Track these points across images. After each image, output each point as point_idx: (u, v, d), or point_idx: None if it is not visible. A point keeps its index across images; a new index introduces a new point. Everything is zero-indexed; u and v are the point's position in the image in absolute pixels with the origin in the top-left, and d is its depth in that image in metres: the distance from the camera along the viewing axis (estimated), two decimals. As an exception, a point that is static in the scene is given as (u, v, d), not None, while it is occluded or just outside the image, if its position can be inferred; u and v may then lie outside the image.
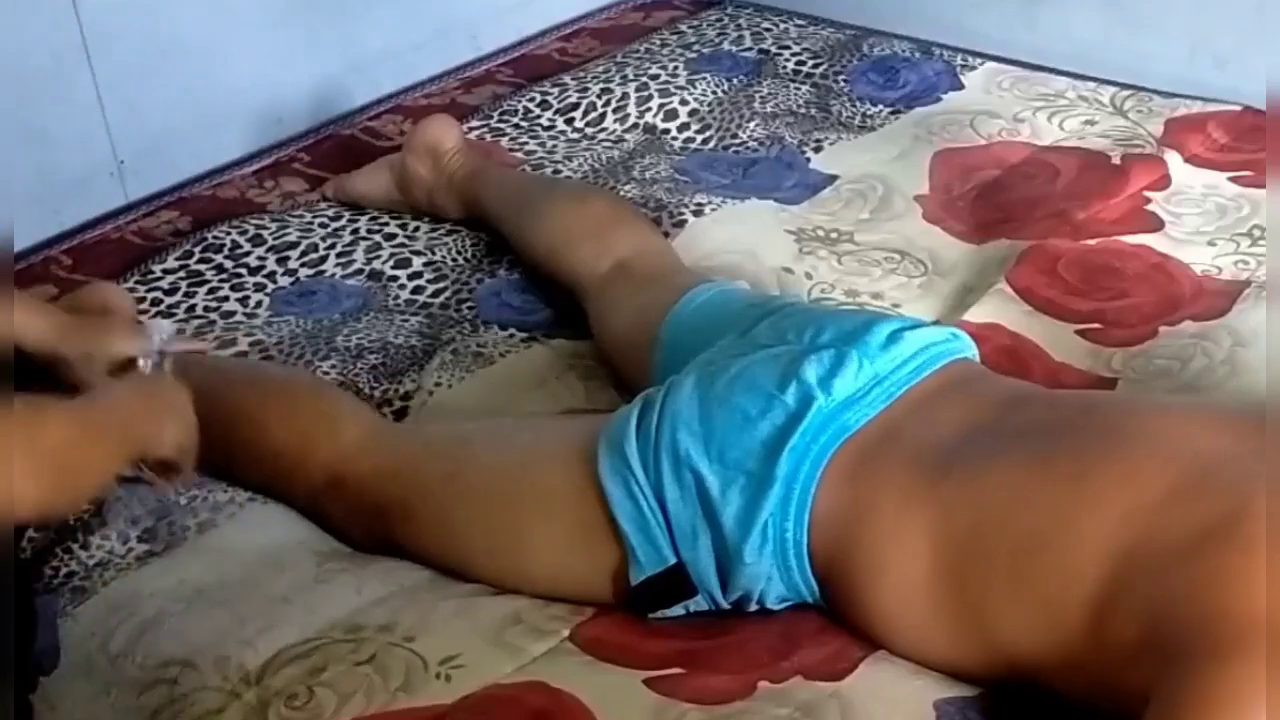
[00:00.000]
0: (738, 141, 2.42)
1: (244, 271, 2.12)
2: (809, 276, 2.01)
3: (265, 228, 2.20)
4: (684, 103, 2.51)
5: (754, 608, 1.46)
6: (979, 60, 2.61)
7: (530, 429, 1.67)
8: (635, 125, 2.48)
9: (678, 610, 1.48)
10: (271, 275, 2.11)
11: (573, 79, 2.60)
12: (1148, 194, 2.17)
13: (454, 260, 2.14)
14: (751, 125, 2.45)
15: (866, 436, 1.44)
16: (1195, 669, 1.14)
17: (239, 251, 2.15)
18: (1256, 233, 2.07)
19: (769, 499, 1.41)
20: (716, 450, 1.44)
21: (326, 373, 1.86)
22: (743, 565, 1.43)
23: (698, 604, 1.48)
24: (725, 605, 1.47)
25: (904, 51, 2.65)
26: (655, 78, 2.57)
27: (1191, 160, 2.25)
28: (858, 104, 2.52)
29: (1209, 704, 1.11)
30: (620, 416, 1.52)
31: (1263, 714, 1.09)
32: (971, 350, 1.60)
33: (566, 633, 1.46)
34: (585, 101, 2.52)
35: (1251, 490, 1.22)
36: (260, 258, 2.14)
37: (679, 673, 1.39)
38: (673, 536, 1.45)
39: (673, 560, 1.45)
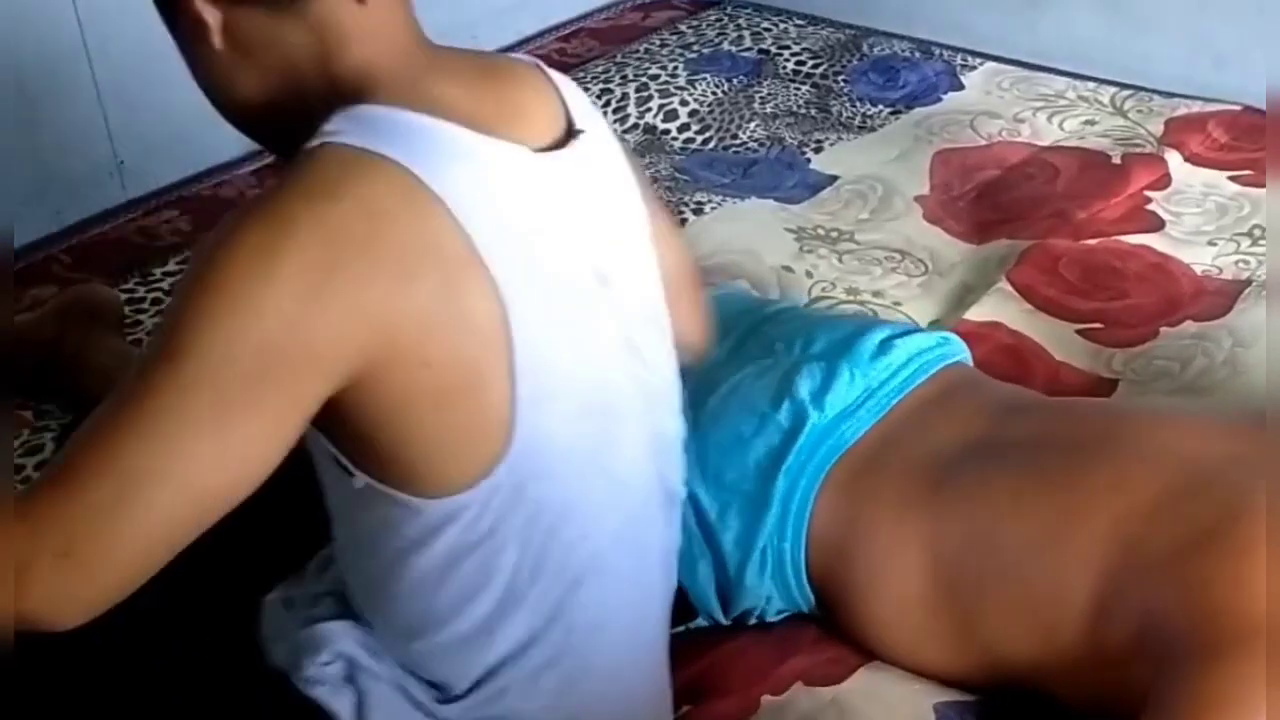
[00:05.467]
0: (738, 142, 2.42)
1: (244, 271, 2.12)
2: (809, 275, 2.01)
3: (265, 228, 2.20)
4: (684, 103, 2.51)
5: (754, 621, 1.46)
6: (979, 60, 2.61)
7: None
8: (635, 125, 2.48)
9: (678, 629, 1.47)
10: (272, 275, 2.10)
11: (573, 79, 2.59)
12: (1148, 193, 2.17)
13: (454, 260, 2.13)
14: (751, 126, 2.45)
15: (861, 450, 1.43)
16: (1192, 668, 1.14)
17: (239, 251, 2.15)
18: (1257, 232, 2.07)
19: (767, 521, 1.41)
20: (713, 471, 1.43)
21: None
22: (744, 588, 1.42)
23: (698, 624, 1.47)
24: (725, 623, 1.47)
25: (904, 52, 2.65)
26: (655, 78, 2.57)
27: (1192, 160, 2.26)
28: (858, 104, 2.52)
29: (1207, 702, 1.11)
30: None
31: (1262, 712, 1.09)
32: (964, 353, 1.59)
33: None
34: (585, 101, 2.52)
35: (1245, 492, 1.22)
36: (260, 258, 2.14)
37: (686, 710, 1.37)
38: None
39: None
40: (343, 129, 1.04)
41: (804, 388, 1.45)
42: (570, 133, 1.17)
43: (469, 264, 1.04)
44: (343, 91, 1.07)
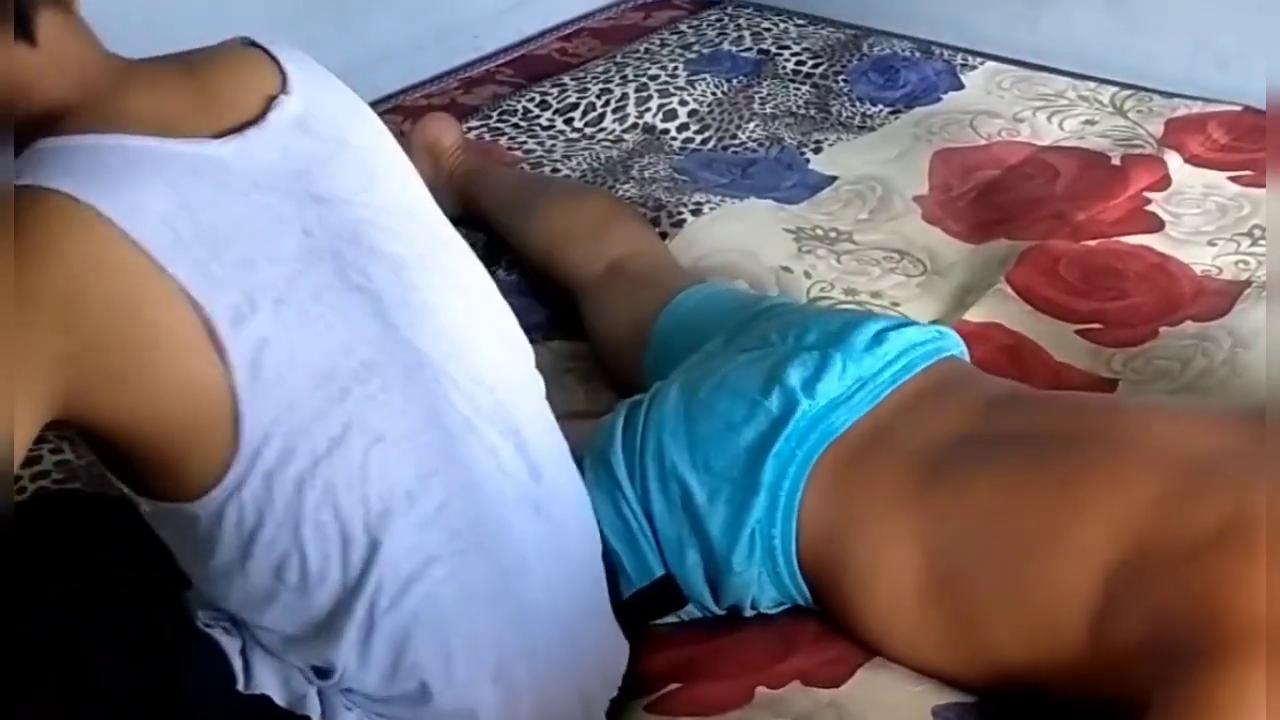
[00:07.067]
0: (737, 142, 2.42)
1: (243, 271, 2.11)
2: (808, 275, 2.01)
3: (264, 228, 2.20)
4: (683, 103, 2.50)
5: (749, 613, 1.46)
6: (979, 60, 2.60)
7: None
8: (634, 125, 2.47)
9: (672, 618, 1.47)
10: (270, 275, 2.10)
11: (572, 79, 2.60)
12: (1148, 194, 2.17)
13: (453, 260, 2.13)
14: (751, 126, 2.45)
15: (853, 440, 1.43)
16: (1196, 671, 1.13)
17: (238, 252, 2.15)
18: (1257, 233, 2.06)
19: (754, 507, 1.41)
20: (702, 458, 1.43)
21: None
22: (732, 574, 1.42)
23: (691, 612, 1.47)
24: (719, 612, 1.47)
25: (904, 51, 2.65)
26: (655, 78, 2.57)
27: (1192, 160, 2.25)
28: (857, 104, 2.51)
29: (1210, 706, 1.11)
30: (604, 428, 1.51)
31: (1263, 715, 1.09)
32: (959, 348, 1.58)
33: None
34: (585, 102, 2.52)
35: (1246, 492, 1.21)
36: (259, 258, 2.13)
37: (676, 688, 1.38)
38: (660, 549, 1.44)
39: (660, 573, 1.45)
40: (19, 169, 1.09)
41: (795, 376, 1.45)
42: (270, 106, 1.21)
43: (148, 276, 1.08)
44: (38, 127, 1.12)
